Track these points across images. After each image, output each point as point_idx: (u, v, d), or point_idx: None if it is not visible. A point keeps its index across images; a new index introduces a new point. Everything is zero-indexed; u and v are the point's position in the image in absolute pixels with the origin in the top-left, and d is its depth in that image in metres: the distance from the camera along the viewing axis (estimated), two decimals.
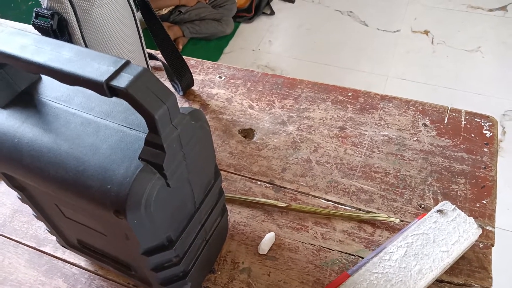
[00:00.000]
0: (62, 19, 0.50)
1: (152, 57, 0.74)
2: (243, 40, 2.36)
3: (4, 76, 0.37)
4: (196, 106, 0.70)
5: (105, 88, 0.28)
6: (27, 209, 0.57)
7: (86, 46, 0.52)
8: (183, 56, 0.72)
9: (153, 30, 0.63)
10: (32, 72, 0.37)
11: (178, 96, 0.71)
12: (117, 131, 0.33)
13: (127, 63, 0.30)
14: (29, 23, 0.91)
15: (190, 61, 0.78)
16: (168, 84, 0.73)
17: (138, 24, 0.57)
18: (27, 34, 0.33)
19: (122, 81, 0.28)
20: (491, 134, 0.61)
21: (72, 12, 0.49)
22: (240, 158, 0.62)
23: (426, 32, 2.31)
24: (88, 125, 0.34)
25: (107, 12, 0.51)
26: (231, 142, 0.64)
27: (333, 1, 2.58)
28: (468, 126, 0.62)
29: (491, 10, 2.43)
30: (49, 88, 0.38)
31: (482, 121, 0.63)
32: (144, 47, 0.59)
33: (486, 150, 0.59)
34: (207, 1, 2.38)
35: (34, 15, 0.50)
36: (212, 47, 2.29)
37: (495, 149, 0.59)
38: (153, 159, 0.31)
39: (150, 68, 0.62)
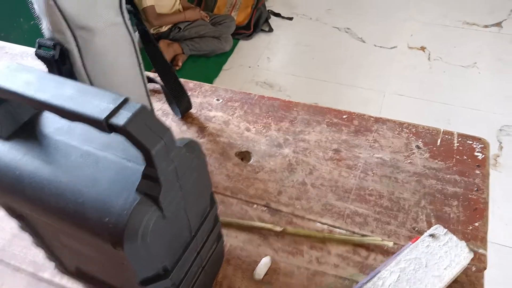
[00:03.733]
0: (64, 49, 0.51)
1: (151, 80, 0.76)
2: (242, 56, 2.39)
3: (8, 108, 0.39)
4: (194, 129, 0.71)
5: (105, 125, 0.30)
6: (26, 234, 0.58)
7: (87, 74, 0.54)
8: (182, 79, 0.74)
9: (151, 56, 0.65)
10: (35, 108, 0.38)
11: (176, 118, 0.73)
12: (116, 163, 0.35)
13: (125, 101, 0.31)
14: (31, 43, 0.93)
15: (189, 83, 0.80)
16: (167, 107, 0.75)
17: (138, 51, 0.59)
18: (30, 70, 0.34)
19: (120, 119, 0.30)
20: (483, 156, 0.62)
21: (74, 42, 0.51)
22: (237, 181, 0.63)
23: (423, 48, 2.34)
24: (87, 157, 0.35)
25: (107, 42, 0.53)
26: (228, 165, 0.65)
27: (331, 18, 2.62)
28: (461, 148, 0.64)
29: (486, 26, 2.47)
30: (51, 119, 0.39)
31: (474, 143, 0.64)
32: (143, 73, 0.61)
33: (478, 172, 0.60)
34: (207, 19, 2.42)
35: (37, 45, 0.52)
36: (212, 64, 2.32)
37: (487, 171, 0.60)
38: (150, 192, 0.32)
39: (149, 92, 0.64)
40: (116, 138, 0.37)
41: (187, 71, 2.28)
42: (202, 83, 0.82)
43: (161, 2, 2.24)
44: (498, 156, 1.75)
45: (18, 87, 0.33)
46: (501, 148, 1.79)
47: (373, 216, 0.57)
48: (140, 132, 0.30)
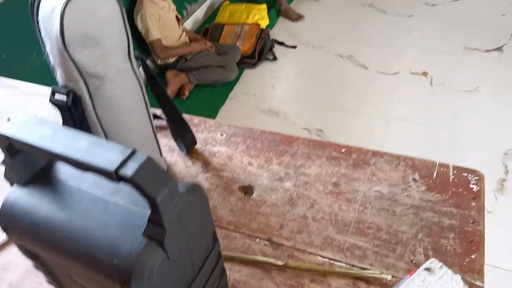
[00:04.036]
0: (76, 96, 0.55)
1: (157, 117, 0.80)
2: (247, 85, 2.45)
3: (25, 157, 0.42)
4: (198, 164, 0.74)
5: (114, 177, 0.33)
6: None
7: (97, 118, 0.57)
8: (187, 115, 0.78)
9: (157, 97, 0.69)
10: (50, 158, 0.41)
11: (182, 154, 0.76)
12: (124, 208, 0.38)
13: (133, 153, 0.34)
14: (43, 79, 0.97)
15: (194, 120, 0.84)
16: (173, 142, 0.78)
17: (145, 94, 0.63)
18: (45, 123, 0.38)
19: (128, 170, 0.33)
20: (478, 188, 0.64)
21: (85, 90, 0.55)
22: (240, 215, 0.65)
23: (425, 74, 2.38)
24: (98, 202, 0.38)
25: (116, 88, 0.57)
26: (231, 199, 0.68)
27: (334, 45, 2.69)
28: (456, 180, 0.66)
29: (487, 51, 2.51)
30: (64, 166, 0.43)
31: (469, 175, 0.66)
32: (150, 113, 0.64)
33: (473, 204, 0.62)
34: (213, 49, 2.49)
35: (51, 92, 0.56)
36: (218, 92, 2.38)
37: (482, 204, 0.62)
38: (155, 236, 0.35)
39: (155, 130, 0.67)
40: (123, 186, 0.40)
41: (194, 100, 2.34)
42: (206, 118, 0.85)
43: (167, 34, 2.33)
44: (504, 180, 1.75)
45: (34, 140, 0.36)
46: (506, 172, 1.79)
47: (372, 249, 0.59)
48: (145, 182, 0.33)
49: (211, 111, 2.23)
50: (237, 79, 2.46)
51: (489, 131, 1.99)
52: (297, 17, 2.95)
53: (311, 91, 2.40)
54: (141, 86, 0.62)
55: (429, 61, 2.47)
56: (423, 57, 2.51)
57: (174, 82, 2.31)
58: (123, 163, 0.33)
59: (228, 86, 2.41)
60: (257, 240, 0.61)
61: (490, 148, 1.89)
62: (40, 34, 0.55)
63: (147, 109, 0.63)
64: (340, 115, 2.18)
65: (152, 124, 0.65)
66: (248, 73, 2.53)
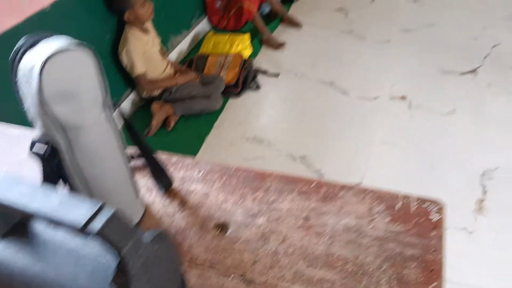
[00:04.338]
0: (55, 147, 0.58)
1: (136, 157, 0.83)
2: (232, 114, 2.50)
3: (2, 211, 0.45)
4: (176, 202, 0.77)
5: (83, 232, 0.36)
6: None
7: (75, 167, 0.61)
8: (165, 155, 0.81)
9: (134, 141, 0.73)
10: (25, 216, 0.45)
11: (160, 193, 0.79)
12: (94, 260, 0.41)
13: (100, 208, 0.37)
14: (26, 122, 1.00)
15: (172, 158, 0.87)
16: (151, 183, 0.81)
17: (122, 140, 0.66)
18: (20, 183, 0.41)
19: (95, 225, 0.36)
20: (438, 217, 0.68)
21: (63, 140, 0.58)
22: (215, 253, 0.68)
23: (404, 98, 2.46)
24: (70, 255, 0.41)
25: (93, 137, 0.60)
26: (207, 237, 0.70)
27: (316, 72, 2.77)
28: (418, 211, 0.70)
29: (462, 73, 2.61)
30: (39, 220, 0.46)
31: (431, 205, 0.70)
32: (127, 158, 0.68)
33: (434, 233, 0.66)
34: (198, 80, 2.55)
35: (30, 143, 0.59)
36: (203, 122, 2.42)
37: (442, 233, 0.66)
38: (122, 285, 0.38)
39: (133, 172, 0.71)
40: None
41: (180, 131, 2.38)
42: (185, 156, 0.89)
43: (152, 68, 2.39)
44: (483, 200, 1.80)
45: (9, 199, 0.39)
46: (485, 192, 1.84)
47: (340, 281, 0.62)
48: (111, 235, 0.36)
49: (196, 141, 2.27)
50: (222, 108, 2.52)
51: (467, 152, 2.06)
52: (279, 46, 3.05)
53: (294, 118, 2.46)
54: (117, 133, 0.65)
55: (407, 85, 2.55)
56: (401, 81, 2.59)
57: (159, 113, 2.36)
58: (90, 219, 0.36)
59: (213, 115, 2.46)
60: (231, 276, 0.64)
61: (469, 169, 1.95)
62: (20, 91, 0.58)
63: (123, 154, 0.67)
64: (323, 141, 2.24)
65: (128, 168, 0.68)
66: (232, 102, 2.59)
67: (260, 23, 3.06)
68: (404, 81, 2.60)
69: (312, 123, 2.37)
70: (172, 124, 2.37)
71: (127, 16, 2.18)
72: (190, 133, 2.35)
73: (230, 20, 3.16)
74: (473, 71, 2.61)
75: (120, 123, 0.68)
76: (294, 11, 3.53)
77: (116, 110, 0.67)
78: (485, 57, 2.70)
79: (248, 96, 2.63)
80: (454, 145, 2.10)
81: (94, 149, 0.61)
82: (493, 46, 2.79)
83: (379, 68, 2.73)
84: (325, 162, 2.09)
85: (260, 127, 2.40)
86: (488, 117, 2.25)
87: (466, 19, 3.12)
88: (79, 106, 0.58)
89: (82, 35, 2.09)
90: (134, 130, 0.71)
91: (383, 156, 2.09)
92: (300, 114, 2.47)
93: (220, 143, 2.28)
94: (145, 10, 2.20)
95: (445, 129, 2.21)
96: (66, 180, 0.63)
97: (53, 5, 1.93)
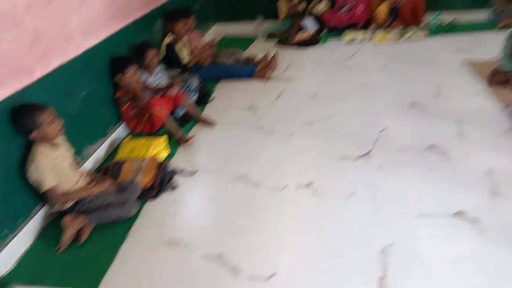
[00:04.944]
0: None
1: None
2: (149, 218, 2.53)
3: None
4: None
5: None
6: None
7: None
8: None
9: None
10: None
11: None
12: None
13: None
14: None
15: None
16: None
17: None
18: None
19: None
20: None
21: None
22: None
23: (309, 185, 2.67)
24: None
25: None
26: None
27: (229, 169, 2.94)
28: None
29: (357, 157, 2.92)
30: None
31: None
32: None
33: None
34: (113, 187, 2.58)
35: None
36: (118, 231, 2.41)
37: None
38: None
39: None
40: None
41: (93, 243, 2.33)
42: None
43: (63, 180, 2.38)
44: (384, 278, 1.95)
45: None
46: (385, 268, 2.00)
47: None
48: None
49: (110, 253, 2.24)
50: (138, 213, 2.53)
51: (367, 232, 2.24)
52: (186, 140, 3.21)
53: (210, 215, 2.54)
54: None
55: (312, 173, 2.79)
56: (306, 170, 2.83)
57: (71, 226, 2.31)
58: None
59: (129, 222, 2.46)
60: None
61: (369, 248, 2.12)
62: None
63: None
64: (238, 236, 2.32)
65: None
66: (149, 206, 2.63)
67: (171, 125, 3.24)
68: (309, 169, 2.84)
69: (227, 218, 2.46)
70: (85, 237, 2.32)
71: (33, 135, 2.23)
72: (104, 244, 2.31)
73: (145, 125, 3.32)
74: (366, 154, 2.93)
75: None
76: (208, 111, 3.80)
77: None
78: (375, 141, 3.06)
79: (165, 198, 2.69)
80: (355, 226, 2.28)
81: None
82: (381, 131, 3.19)
83: (286, 159, 2.97)
84: (241, 257, 2.15)
85: (177, 228, 2.43)
86: (383, 196, 2.51)
87: (357, 109, 3.56)
88: None
89: None
90: None
91: (294, 245, 2.21)
92: (216, 211, 2.56)
93: (135, 252, 2.26)
94: (53, 129, 2.27)
95: (347, 211, 2.41)
96: None
97: None
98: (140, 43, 3.54)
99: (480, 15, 5.18)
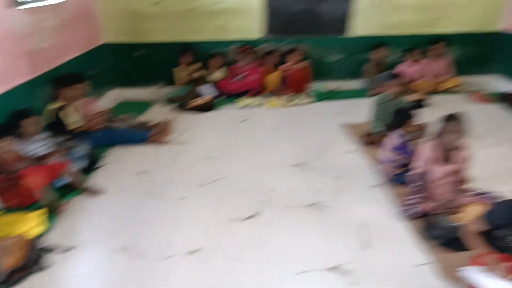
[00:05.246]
0: None
1: None
2: None
3: None
4: None
5: None
6: None
7: None
8: None
9: None
10: None
11: None
12: None
13: None
14: None
15: None
16: None
17: None
18: None
19: None
20: None
21: None
22: None
23: (197, 251, 2.62)
24: None
25: None
26: None
27: (114, 240, 2.77)
28: None
29: (247, 218, 2.97)
30: None
31: None
32: None
33: None
34: None
35: None
36: None
37: None
38: None
39: None
40: None
41: None
42: None
43: None
44: None
45: None
46: None
47: None
48: None
49: None
50: None
51: None
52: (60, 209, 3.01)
53: None
54: None
55: (201, 237, 2.75)
56: (195, 235, 2.79)
57: None
58: None
59: None
60: None
61: None
62: None
63: None
64: None
65: None
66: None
67: (47, 197, 3.01)
68: (198, 234, 2.80)
69: None
70: None
71: None
72: None
73: (18, 198, 3.03)
74: (254, 215, 3.01)
75: None
76: (99, 178, 3.59)
77: None
78: (262, 201, 3.17)
79: (33, 281, 2.41)
80: None
81: None
82: (268, 191, 3.32)
83: (175, 226, 2.90)
84: None
85: None
86: (267, 255, 2.56)
87: (248, 170, 3.69)
88: None
89: None
90: None
91: None
92: None
93: None
94: None
95: (233, 275, 2.40)
96: None
97: None
98: (15, 111, 3.33)
99: (356, 84, 5.89)
